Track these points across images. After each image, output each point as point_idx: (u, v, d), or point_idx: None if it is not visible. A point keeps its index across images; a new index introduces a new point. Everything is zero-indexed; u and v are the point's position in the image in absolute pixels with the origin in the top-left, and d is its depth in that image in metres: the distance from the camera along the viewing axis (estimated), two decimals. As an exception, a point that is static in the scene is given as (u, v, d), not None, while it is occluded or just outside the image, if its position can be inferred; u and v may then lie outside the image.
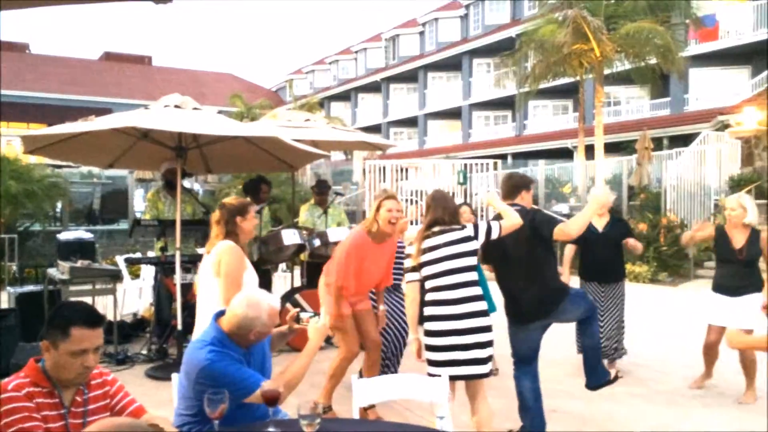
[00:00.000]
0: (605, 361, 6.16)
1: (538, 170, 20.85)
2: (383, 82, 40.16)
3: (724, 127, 17.78)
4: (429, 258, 3.79)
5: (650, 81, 17.76)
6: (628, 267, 13.05)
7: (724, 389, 5.63)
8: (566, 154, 25.18)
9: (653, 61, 16.18)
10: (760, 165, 16.73)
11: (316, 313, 2.94)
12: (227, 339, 2.74)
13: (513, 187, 4.32)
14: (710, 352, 5.58)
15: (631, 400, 5.48)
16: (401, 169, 16.70)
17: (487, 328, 3.71)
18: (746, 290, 5.18)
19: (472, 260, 3.80)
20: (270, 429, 2.48)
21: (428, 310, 3.75)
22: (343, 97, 43.73)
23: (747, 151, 16.79)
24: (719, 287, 5.38)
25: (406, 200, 16.60)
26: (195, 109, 6.09)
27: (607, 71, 16.97)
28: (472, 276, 3.76)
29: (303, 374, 2.85)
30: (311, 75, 48.04)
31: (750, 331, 5.15)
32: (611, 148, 20.98)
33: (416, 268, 3.84)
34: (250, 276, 3.95)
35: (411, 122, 38.77)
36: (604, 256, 5.99)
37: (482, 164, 15.91)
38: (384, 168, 15.77)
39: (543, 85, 18.52)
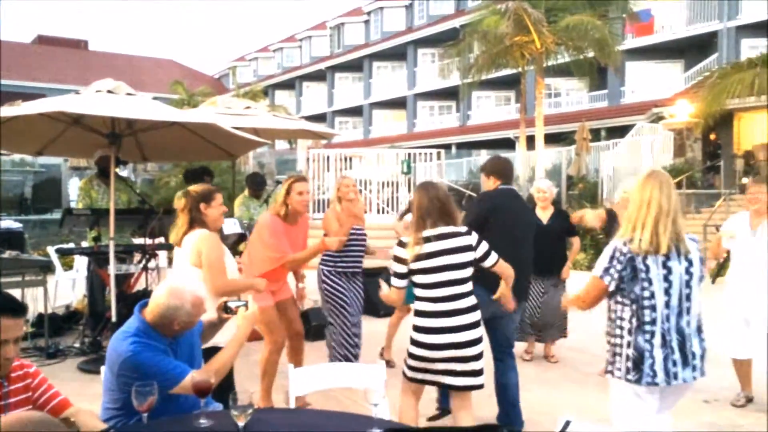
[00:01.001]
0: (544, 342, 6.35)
1: (480, 160, 21.16)
2: (328, 71, 39.89)
3: (659, 119, 18.41)
4: (425, 266, 3.38)
5: (588, 73, 18.19)
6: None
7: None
8: (509, 144, 25.61)
9: (591, 54, 16.57)
10: (691, 156, 17.40)
11: (245, 303, 2.90)
12: (151, 330, 2.67)
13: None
14: None
15: (566, 385, 5.64)
16: (345, 159, 16.66)
17: (481, 339, 3.46)
18: None
19: (470, 271, 3.46)
20: (201, 420, 2.44)
21: (421, 322, 3.38)
22: (288, 85, 43.25)
23: (679, 142, 17.43)
24: None
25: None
26: (129, 94, 5.91)
27: (547, 63, 17.29)
28: (469, 286, 3.45)
29: (230, 363, 2.81)
30: (255, 62, 47.30)
31: None
32: (552, 139, 21.45)
33: (406, 275, 3.43)
34: (229, 262, 3.87)
35: (356, 111, 38.67)
36: (549, 250, 5.94)
37: (426, 154, 16.02)
38: (328, 157, 15.70)
39: (486, 76, 18.74)
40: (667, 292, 2.82)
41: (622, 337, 2.89)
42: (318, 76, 40.93)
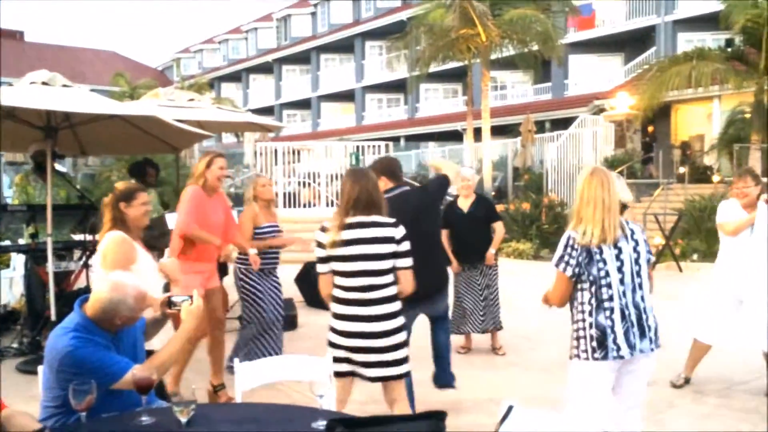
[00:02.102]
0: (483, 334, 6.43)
1: (429, 152, 21.34)
2: (275, 64, 39.46)
3: (600, 111, 18.89)
4: (343, 253, 3.36)
5: (533, 66, 18.47)
6: (513, 245, 13.64)
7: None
8: (456, 136, 25.86)
9: (535, 47, 16.85)
10: (631, 147, 17.92)
11: (190, 297, 2.86)
12: (92, 325, 2.61)
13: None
14: None
15: (511, 369, 5.76)
16: (294, 152, 16.55)
17: (400, 329, 3.42)
18: None
19: (391, 263, 3.41)
20: (143, 418, 2.40)
21: (336, 308, 3.42)
22: (234, 78, 42.62)
23: (620, 134, 17.93)
24: None
25: (299, 183, 16.51)
26: (65, 86, 5.73)
27: (493, 56, 17.50)
28: (389, 278, 3.41)
29: (173, 359, 2.77)
30: (200, 54, 46.42)
31: None
32: (498, 131, 21.75)
33: (327, 259, 3.42)
34: (144, 265, 3.76)
35: (304, 104, 38.40)
36: (472, 237, 6.07)
37: (375, 146, 16.05)
38: (276, 150, 15.56)
39: (433, 69, 18.85)
40: (620, 270, 3.03)
41: (584, 320, 3.06)
42: (265, 69, 40.45)
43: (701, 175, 16.47)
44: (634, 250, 3.08)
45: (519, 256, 13.48)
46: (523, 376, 5.60)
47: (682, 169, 16.45)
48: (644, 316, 3.06)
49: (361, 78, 34.92)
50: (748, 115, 14.18)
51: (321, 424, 2.28)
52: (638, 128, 18.01)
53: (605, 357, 2.99)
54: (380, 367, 3.39)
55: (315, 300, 8.40)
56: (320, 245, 3.42)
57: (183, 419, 2.29)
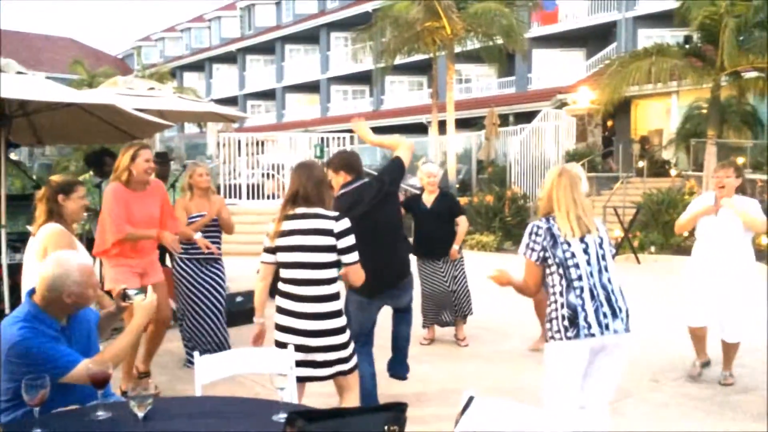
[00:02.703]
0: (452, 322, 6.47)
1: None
2: (239, 53, 38.97)
3: (562, 105, 19.12)
4: (284, 243, 3.38)
5: (497, 60, 18.61)
6: (476, 237, 13.75)
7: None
8: (421, 129, 25.92)
9: (500, 40, 16.96)
10: (592, 141, 18.21)
11: (143, 290, 2.81)
12: (42, 313, 2.54)
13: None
14: (541, 312, 5.98)
15: (474, 360, 5.81)
16: (258, 143, 16.38)
17: (341, 330, 3.40)
18: None
19: (331, 257, 3.38)
20: (98, 413, 2.35)
21: (279, 302, 3.44)
22: (197, 67, 41.96)
23: (581, 127, 18.20)
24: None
25: (263, 174, 16.35)
26: (19, 73, 5.56)
27: (458, 49, 17.57)
28: (329, 273, 3.38)
29: (126, 353, 2.72)
30: (161, 43, 45.57)
31: None
32: (463, 124, 21.85)
33: (272, 250, 3.42)
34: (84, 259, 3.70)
35: (269, 95, 38.03)
36: (435, 232, 6.10)
37: (340, 138, 15.99)
38: (239, 141, 15.39)
39: (399, 61, 18.84)
40: (585, 251, 3.16)
41: (556, 301, 3.16)
42: (228, 58, 39.92)
43: (659, 169, 16.83)
44: (600, 245, 3.20)
45: (482, 249, 13.59)
46: (486, 367, 5.65)
47: (641, 163, 16.77)
48: (613, 297, 3.15)
49: (326, 69, 34.72)
50: (705, 111, 14.51)
51: (281, 417, 2.26)
52: (599, 122, 18.30)
53: (577, 335, 3.07)
54: (308, 367, 3.36)
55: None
56: (267, 235, 3.46)
57: (140, 413, 2.25)
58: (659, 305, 7.82)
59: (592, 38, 25.02)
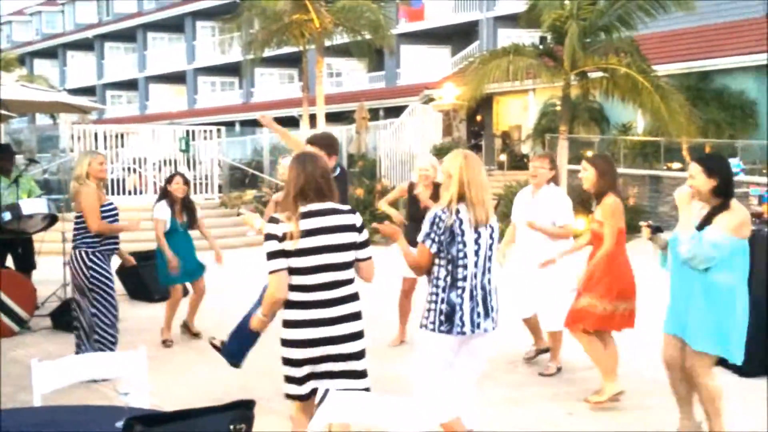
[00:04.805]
0: None
1: (264, 138, 21.01)
2: (96, 40, 36.71)
3: (429, 100, 19.70)
4: (307, 245, 2.94)
5: (366, 55, 18.81)
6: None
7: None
8: (293, 122, 25.70)
9: (368, 36, 17.15)
10: (457, 135, 18.92)
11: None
12: None
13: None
14: (403, 305, 6.12)
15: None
16: (117, 135, 15.51)
17: (361, 334, 3.06)
18: None
19: (352, 254, 3.06)
20: None
21: (294, 314, 2.97)
22: (49, 54, 39.08)
23: (447, 122, 18.85)
24: (411, 242, 5.90)
25: (124, 168, 15.51)
26: None
27: (327, 43, 17.57)
28: (351, 273, 3.08)
29: None
30: (8, 27, 42.01)
31: None
32: (334, 118, 21.95)
33: (279, 254, 2.94)
34: None
35: (130, 85, 36.15)
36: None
37: (207, 131, 15.51)
38: (96, 134, 14.48)
39: (268, 53, 18.55)
40: (476, 253, 3.22)
41: (437, 294, 3.23)
42: (85, 45, 37.51)
43: (518, 162, 17.80)
44: (490, 236, 3.29)
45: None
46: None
47: (502, 157, 17.66)
48: (489, 298, 3.29)
49: (192, 59, 33.50)
50: (558, 108, 15.49)
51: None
52: (464, 118, 19.03)
53: (450, 331, 3.18)
54: (346, 378, 3.00)
55: (138, 292, 7.99)
56: (271, 237, 2.95)
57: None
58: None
59: (457, 36, 25.95)
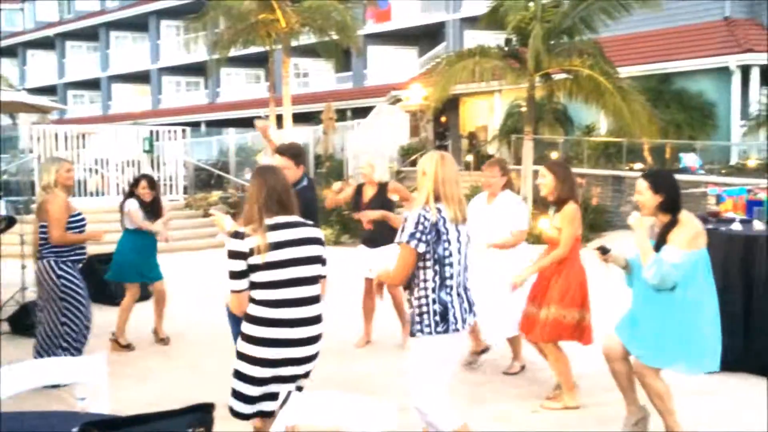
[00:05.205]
0: None
1: (230, 139, 20.85)
2: (58, 39, 35.95)
3: (397, 101, 19.76)
4: (275, 258, 2.91)
5: (334, 55, 18.80)
6: (315, 231, 13.80)
7: (387, 338, 6.23)
8: (259, 123, 25.49)
9: (335, 36, 17.13)
10: (424, 136, 19.01)
11: None
12: None
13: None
14: (366, 306, 6.12)
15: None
16: (79, 136, 15.22)
17: (318, 354, 3.08)
18: (383, 242, 5.59)
19: (320, 269, 3.09)
20: None
21: (258, 331, 2.92)
22: (9, 52, 38.04)
23: (414, 123, 18.94)
24: (363, 240, 5.95)
25: (86, 169, 15.22)
26: None
27: (294, 43, 17.50)
28: (318, 289, 3.07)
29: None
30: (-36, 24, 40.79)
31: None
32: (301, 118, 21.84)
33: (245, 274, 2.91)
34: None
35: (93, 85, 35.47)
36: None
37: (171, 131, 15.30)
38: (57, 134, 14.17)
39: (234, 53, 18.41)
40: (459, 251, 3.20)
41: (427, 296, 3.16)
42: (46, 44, 36.70)
43: (485, 163, 17.90)
44: (467, 233, 3.27)
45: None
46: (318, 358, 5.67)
47: (469, 158, 17.78)
48: (469, 293, 3.31)
49: (156, 59, 33.02)
50: (523, 109, 15.67)
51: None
52: (430, 118, 19.12)
53: (446, 331, 3.15)
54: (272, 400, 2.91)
55: (100, 295, 7.84)
56: (237, 255, 2.90)
57: None
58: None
59: (424, 37, 26.03)
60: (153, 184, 6.08)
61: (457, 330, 3.20)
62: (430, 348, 3.17)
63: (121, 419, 1.84)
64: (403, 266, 3.13)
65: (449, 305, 3.16)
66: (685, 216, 3.61)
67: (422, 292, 3.16)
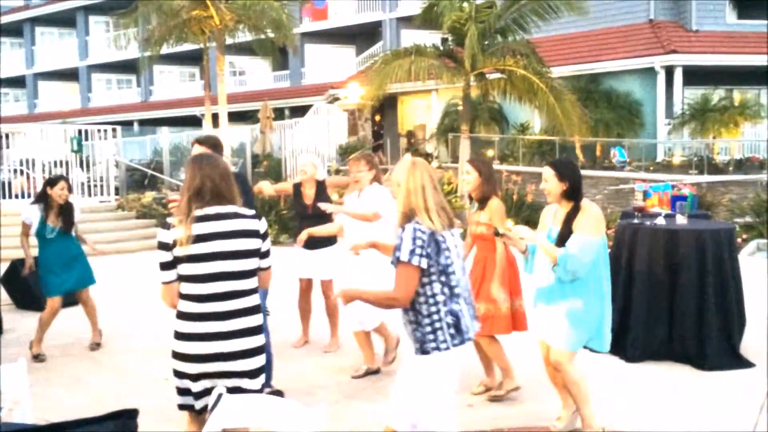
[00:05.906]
0: None
1: (163, 138, 20.35)
2: (-22, 34, 34.27)
3: (334, 100, 19.70)
4: (200, 251, 2.79)
5: (270, 53, 18.56)
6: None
7: (325, 338, 6.21)
8: (195, 121, 25.03)
9: (271, 33, 16.93)
10: (363, 134, 19.03)
11: None
12: None
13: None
14: (303, 306, 6.08)
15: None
16: (3, 136, 14.59)
17: (260, 350, 2.90)
18: (322, 244, 5.59)
19: (255, 262, 2.91)
20: None
21: (184, 326, 2.83)
22: (-75, 47, 36.11)
23: (352, 122, 18.93)
24: (307, 242, 5.87)
25: (11, 170, 14.59)
26: None
27: (229, 41, 17.20)
28: (252, 283, 2.91)
29: None
30: None
31: (330, 281, 5.76)
32: (238, 117, 21.52)
33: (172, 264, 2.82)
34: None
35: (18, 82, 34.01)
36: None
37: (101, 130, 14.82)
38: (-22, 134, 13.55)
39: (167, 50, 17.93)
40: (458, 256, 3.06)
41: (438, 311, 2.94)
42: (-35, 39, 34.95)
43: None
44: (458, 237, 3.11)
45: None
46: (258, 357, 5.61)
47: (407, 156, 17.89)
48: (471, 298, 3.17)
49: (85, 56, 31.91)
50: (460, 108, 15.90)
51: (-3, 440, 2.03)
52: (368, 117, 19.16)
53: (462, 342, 2.98)
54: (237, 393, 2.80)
55: (25, 301, 7.53)
56: (164, 246, 2.82)
57: None
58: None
59: (361, 36, 26.07)
60: (70, 187, 5.81)
61: (470, 339, 3.04)
62: (445, 363, 2.96)
63: (37, 428, 1.77)
64: (407, 286, 2.90)
65: (460, 314, 2.99)
66: (586, 203, 3.80)
67: (433, 308, 2.94)
